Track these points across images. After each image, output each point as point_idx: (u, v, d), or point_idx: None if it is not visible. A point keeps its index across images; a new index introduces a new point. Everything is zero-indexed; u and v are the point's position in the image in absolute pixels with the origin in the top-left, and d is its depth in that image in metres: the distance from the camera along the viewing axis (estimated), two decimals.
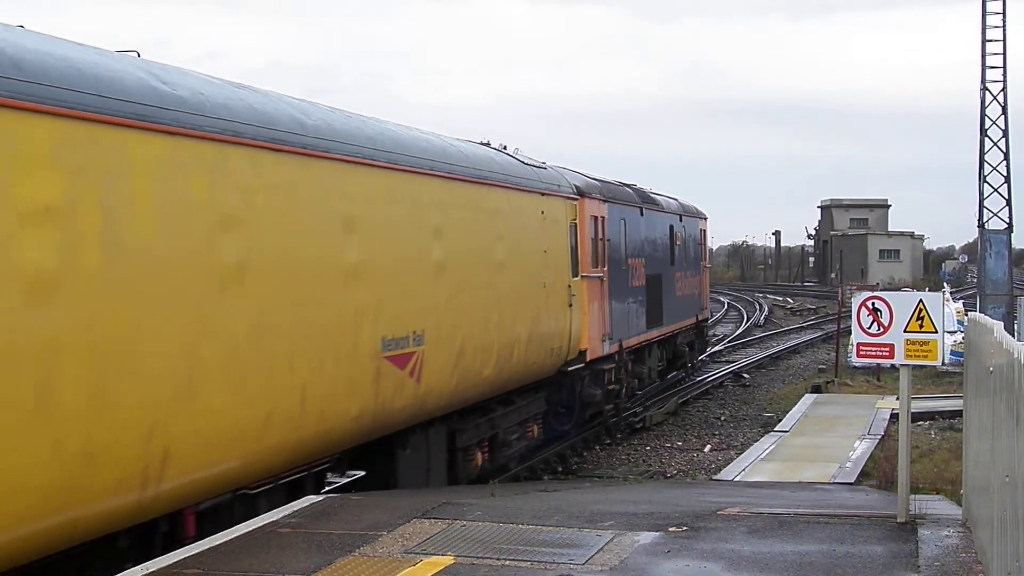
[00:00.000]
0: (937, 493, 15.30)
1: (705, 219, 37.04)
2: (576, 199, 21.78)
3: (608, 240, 23.70)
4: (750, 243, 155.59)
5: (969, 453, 12.29)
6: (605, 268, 23.41)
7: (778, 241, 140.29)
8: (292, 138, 11.87)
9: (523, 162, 20.21)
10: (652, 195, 29.79)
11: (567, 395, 22.44)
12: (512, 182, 18.49)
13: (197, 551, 10.03)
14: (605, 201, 23.86)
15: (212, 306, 10.31)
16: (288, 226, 11.61)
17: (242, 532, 10.77)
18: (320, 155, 12.38)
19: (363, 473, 15.19)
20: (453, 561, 9.79)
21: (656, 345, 29.53)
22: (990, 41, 42.96)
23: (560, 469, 22.32)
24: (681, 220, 32.19)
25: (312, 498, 12.42)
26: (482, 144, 20.22)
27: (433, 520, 11.44)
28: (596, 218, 22.99)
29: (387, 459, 14.90)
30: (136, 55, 11.02)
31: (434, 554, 10.04)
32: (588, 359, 22.14)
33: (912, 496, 12.32)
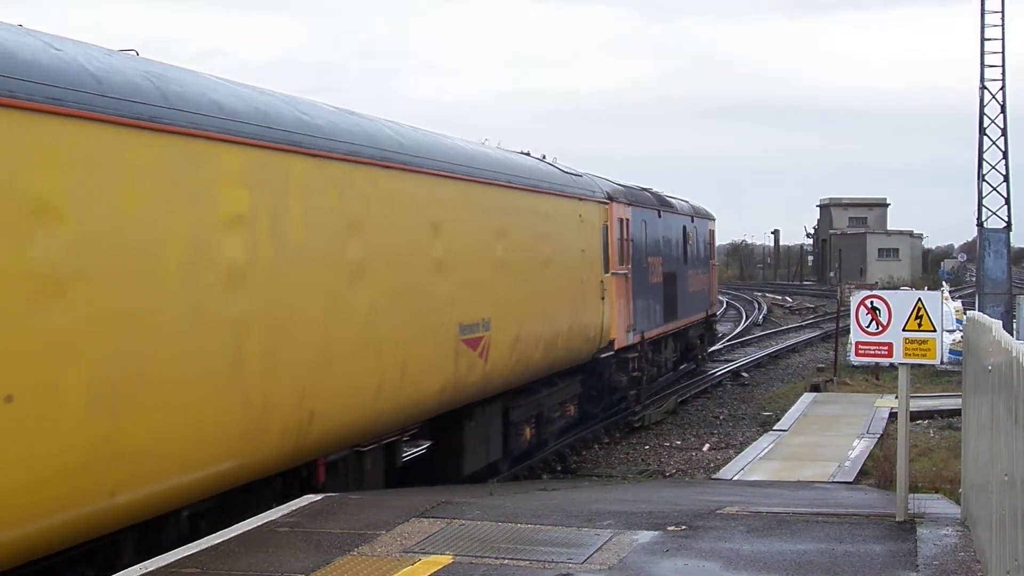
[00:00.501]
0: (936, 492, 15.31)
1: (713, 220, 39.19)
2: (607, 203, 24.25)
3: (632, 240, 26.04)
4: (749, 242, 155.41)
5: (968, 452, 12.29)
6: (629, 266, 25.75)
7: (777, 240, 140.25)
8: (396, 156, 14.51)
9: (563, 171, 22.81)
10: (668, 198, 32.07)
11: (597, 380, 24.70)
12: (556, 189, 21.16)
13: (195, 550, 10.01)
14: (629, 205, 26.21)
15: (342, 295, 12.93)
16: (393, 230, 14.23)
17: (240, 531, 10.75)
18: (414, 170, 14.99)
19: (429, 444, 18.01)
20: (452, 560, 9.78)
21: (671, 337, 31.93)
22: (989, 40, 42.98)
23: (559, 468, 22.35)
24: (693, 221, 34.54)
25: (310, 497, 12.41)
26: (523, 153, 22.57)
27: (432, 519, 11.43)
28: (622, 220, 25.35)
29: (456, 430, 17.48)
30: (135, 54, 11.01)
31: (433, 553, 10.02)
32: (616, 348, 24.54)
33: (911, 495, 12.32)
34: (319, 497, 12.47)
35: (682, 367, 35.04)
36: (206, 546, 10.17)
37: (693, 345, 35.74)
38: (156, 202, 9.81)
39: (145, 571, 9.35)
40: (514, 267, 18.26)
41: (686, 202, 34.97)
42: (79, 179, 8.99)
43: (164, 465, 9.96)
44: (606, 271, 23.54)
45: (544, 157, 23.60)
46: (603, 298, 23.18)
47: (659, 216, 29.47)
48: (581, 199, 22.38)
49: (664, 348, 30.85)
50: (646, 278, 27.49)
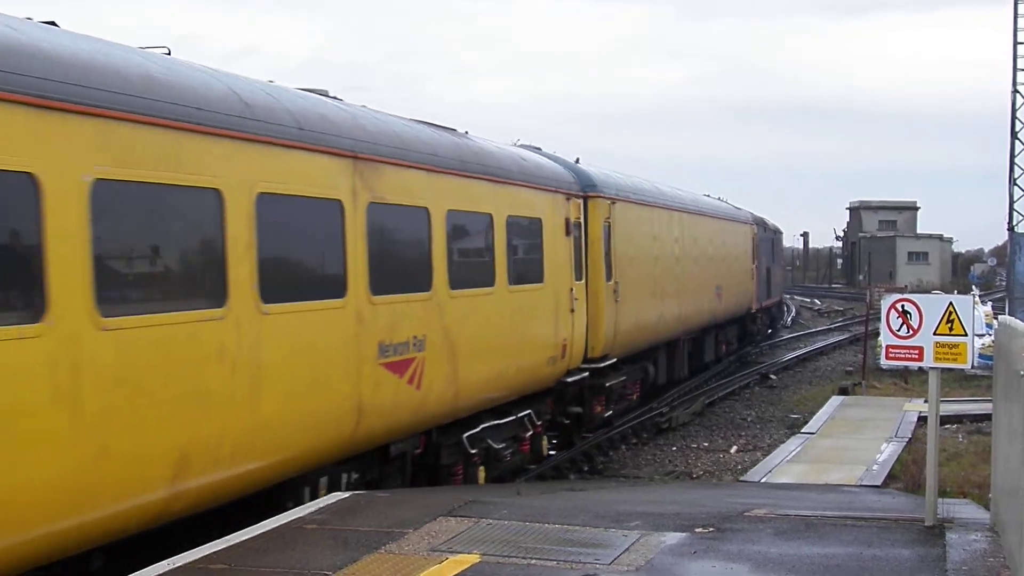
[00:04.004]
0: (965, 497, 15.23)
1: (782, 233, 56.35)
2: (752, 225, 42.97)
3: (757, 246, 43.33)
4: None
5: (997, 456, 12.22)
6: (756, 262, 42.98)
7: (806, 243, 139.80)
8: (701, 210, 33.04)
9: (734, 207, 41.66)
10: (766, 221, 48.40)
11: (743, 327, 42.27)
12: (734, 218, 39.75)
13: (223, 547, 10.05)
14: (756, 225, 43.81)
15: (692, 269, 30.72)
16: (699, 243, 31.83)
17: (268, 528, 10.79)
18: (702, 214, 32.76)
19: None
20: (479, 559, 9.79)
21: (767, 309, 48.44)
22: (1021, 44, 42.71)
23: (586, 468, 22.34)
24: (775, 234, 51.70)
25: (339, 495, 12.45)
26: (706, 196, 38.22)
27: (459, 518, 11.44)
28: (755, 235, 43.32)
29: (700, 342, 34.28)
30: (167, 52, 11.07)
31: (460, 552, 10.04)
32: (753, 309, 42.71)
33: (940, 500, 12.24)
34: (347, 495, 12.50)
35: (768, 332, 50.55)
36: (234, 542, 10.22)
37: (776, 317, 54.57)
38: (665, 232, 27.66)
39: (173, 567, 9.39)
40: (728, 261, 36.90)
41: (770, 221, 50.75)
42: (654, 226, 26.64)
43: (648, 332, 26.41)
44: (751, 263, 41.72)
45: (720, 198, 41.24)
46: (752, 278, 41.74)
47: (764, 231, 46.55)
48: (744, 223, 41.30)
49: (766, 315, 48.16)
50: (761, 269, 44.52)
